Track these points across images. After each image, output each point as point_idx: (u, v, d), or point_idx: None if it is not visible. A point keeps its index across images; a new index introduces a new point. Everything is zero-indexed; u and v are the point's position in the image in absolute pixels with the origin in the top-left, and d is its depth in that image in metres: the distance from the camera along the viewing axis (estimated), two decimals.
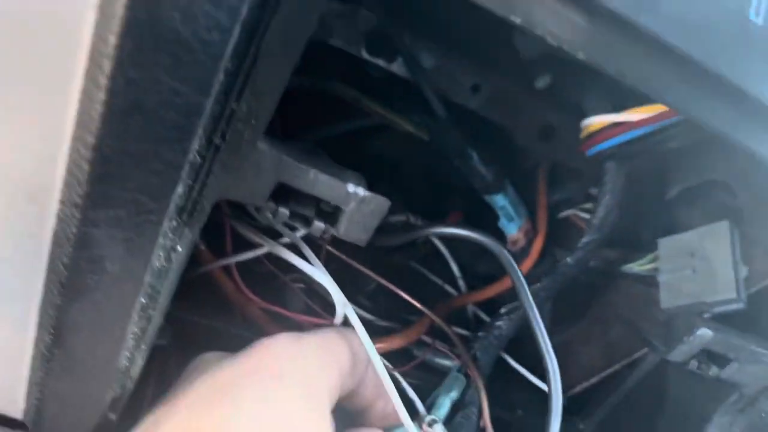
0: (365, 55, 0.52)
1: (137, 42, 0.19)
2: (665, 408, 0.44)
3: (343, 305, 0.33)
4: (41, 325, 0.24)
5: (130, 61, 0.19)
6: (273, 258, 0.44)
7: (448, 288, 0.59)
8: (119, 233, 0.23)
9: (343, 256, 0.48)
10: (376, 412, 0.37)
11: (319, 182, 0.28)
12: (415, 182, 0.64)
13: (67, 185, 0.21)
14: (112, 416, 0.31)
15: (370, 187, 0.51)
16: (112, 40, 0.18)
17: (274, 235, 0.43)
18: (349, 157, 0.59)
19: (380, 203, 0.29)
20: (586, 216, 0.58)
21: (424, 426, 0.38)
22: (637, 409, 0.46)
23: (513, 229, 0.54)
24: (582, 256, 0.47)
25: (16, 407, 0.26)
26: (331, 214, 0.31)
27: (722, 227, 0.49)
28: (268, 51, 0.24)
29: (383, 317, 0.50)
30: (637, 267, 0.55)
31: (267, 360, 0.30)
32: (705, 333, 0.37)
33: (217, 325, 0.40)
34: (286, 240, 0.41)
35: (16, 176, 0.21)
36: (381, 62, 0.52)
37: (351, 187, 0.29)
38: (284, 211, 0.29)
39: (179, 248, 0.28)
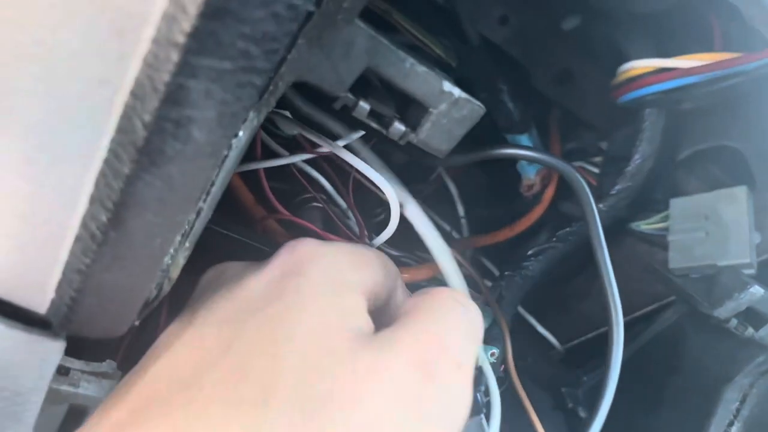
0: None
1: None
2: (680, 366, 0.43)
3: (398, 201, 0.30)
4: (97, 199, 0.19)
5: None
6: (287, 176, 0.40)
7: (452, 232, 0.56)
8: (218, 92, 0.18)
9: (363, 179, 0.44)
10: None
11: (414, 74, 0.25)
12: None
13: (168, 19, 0.17)
14: (137, 321, 0.26)
15: None
16: None
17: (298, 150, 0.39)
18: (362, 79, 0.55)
19: (474, 110, 0.26)
20: (594, 170, 0.57)
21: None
22: (648, 365, 0.46)
23: (531, 173, 0.52)
24: (614, 203, 0.45)
25: (41, 299, 0.22)
26: (410, 116, 0.27)
27: (740, 191, 0.48)
28: None
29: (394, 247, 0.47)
30: (644, 225, 0.54)
31: (291, 263, 0.27)
32: (756, 291, 0.37)
33: (235, 237, 0.35)
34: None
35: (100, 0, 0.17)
36: None
37: (447, 86, 0.25)
38: (365, 106, 0.25)
39: (241, 133, 0.24)
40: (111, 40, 0.17)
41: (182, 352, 0.24)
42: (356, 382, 0.23)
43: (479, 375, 0.34)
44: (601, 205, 0.46)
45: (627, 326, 0.52)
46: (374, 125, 0.27)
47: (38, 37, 0.17)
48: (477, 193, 0.57)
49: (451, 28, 0.49)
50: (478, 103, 0.26)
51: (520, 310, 0.51)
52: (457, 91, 0.25)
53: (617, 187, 0.45)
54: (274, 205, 0.34)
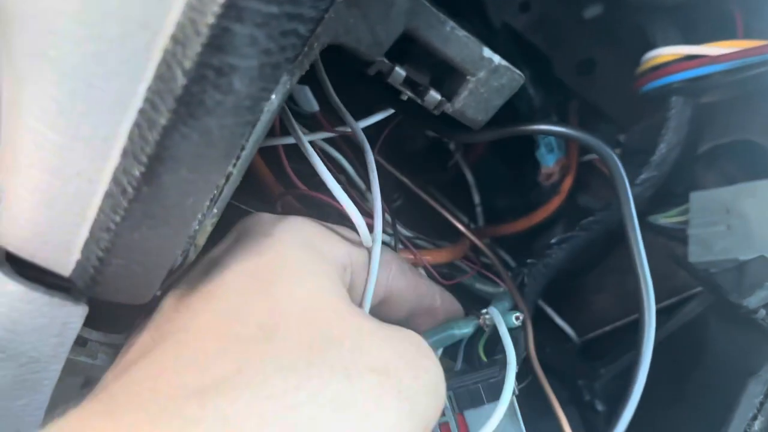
0: None
1: None
2: (703, 359, 0.42)
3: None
4: (130, 153, 0.18)
5: None
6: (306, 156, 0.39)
7: (462, 217, 0.55)
8: (262, 39, 0.17)
9: (383, 161, 0.44)
10: (426, 311, 0.34)
11: (454, 38, 0.24)
12: None
13: None
14: (158, 291, 0.26)
15: None
16: None
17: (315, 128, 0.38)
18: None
19: (513, 78, 0.25)
20: None
21: (481, 318, 0.35)
22: (670, 359, 0.45)
23: (551, 161, 0.51)
24: (639, 193, 0.44)
25: (65, 260, 0.21)
26: (446, 84, 0.26)
27: (764, 185, 0.47)
28: None
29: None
30: (663, 218, 0.54)
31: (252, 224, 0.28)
32: None
33: (253, 212, 0.35)
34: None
35: None
36: None
37: (487, 52, 0.24)
38: (400, 72, 0.25)
39: (273, 96, 0.23)
40: None
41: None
42: (362, 338, 0.23)
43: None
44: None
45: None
46: (409, 93, 0.26)
47: None
48: (494, 183, 0.56)
49: (473, 10, 0.48)
50: (518, 71, 0.25)
51: (539, 301, 0.50)
52: (497, 58, 0.24)
53: (642, 177, 0.45)
54: (293, 182, 0.34)
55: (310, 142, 0.36)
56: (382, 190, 0.45)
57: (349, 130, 0.32)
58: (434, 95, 0.25)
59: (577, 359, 0.49)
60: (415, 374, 0.23)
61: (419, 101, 0.26)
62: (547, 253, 0.43)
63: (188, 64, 0.17)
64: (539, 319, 0.49)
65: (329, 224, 0.30)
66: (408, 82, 0.25)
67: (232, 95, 0.18)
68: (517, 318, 0.35)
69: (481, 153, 0.55)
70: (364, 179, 0.40)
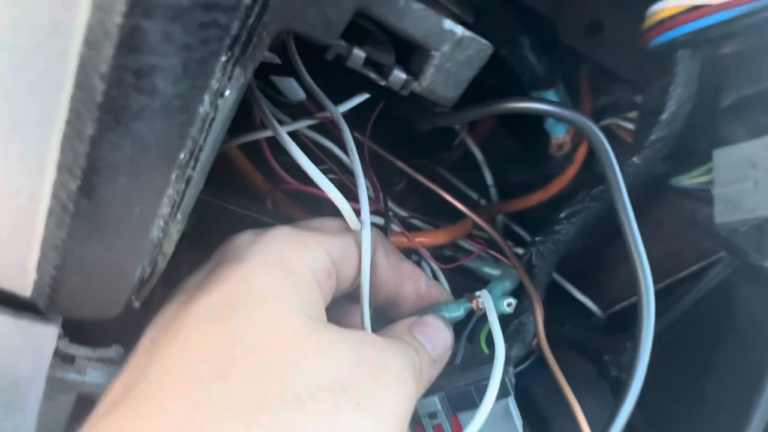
0: None
1: None
2: (733, 325, 0.40)
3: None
4: (64, 166, 0.18)
5: None
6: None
7: (480, 199, 0.54)
8: (178, 34, 0.16)
9: (376, 147, 0.42)
10: (409, 296, 0.33)
11: (410, 13, 0.22)
12: None
13: None
14: (137, 303, 0.25)
15: None
16: None
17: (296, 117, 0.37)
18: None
19: (481, 48, 0.24)
20: (629, 126, 0.54)
21: (474, 301, 0.34)
22: (698, 326, 0.43)
23: (560, 132, 0.49)
24: (651, 155, 0.42)
25: (23, 280, 0.20)
26: (411, 62, 0.25)
27: None
28: None
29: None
30: (687, 180, 0.51)
31: (229, 252, 0.28)
32: None
33: (246, 213, 0.34)
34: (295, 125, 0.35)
35: None
36: None
37: (448, 24, 0.23)
38: (359, 54, 0.23)
39: (227, 92, 0.22)
40: None
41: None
42: (318, 354, 0.23)
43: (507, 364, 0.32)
44: (635, 158, 0.43)
45: (673, 286, 0.49)
46: (372, 75, 0.24)
47: None
48: (505, 158, 0.54)
49: None
50: (485, 41, 0.24)
51: (557, 276, 0.48)
52: (459, 29, 0.23)
53: (651, 138, 0.42)
54: (281, 176, 0.33)
55: (298, 133, 0.36)
56: (382, 173, 0.44)
57: (329, 115, 0.31)
58: (399, 74, 0.24)
59: (603, 334, 0.47)
60: (373, 376, 0.23)
61: (383, 82, 0.24)
62: (556, 230, 0.41)
63: (104, 68, 0.16)
64: (558, 296, 0.47)
65: (310, 223, 0.29)
66: (370, 63, 0.24)
67: (158, 96, 0.17)
68: (509, 305, 0.33)
69: (488, 129, 0.53)
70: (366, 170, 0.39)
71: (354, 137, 0.39)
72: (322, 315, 0.25)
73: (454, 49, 0.23)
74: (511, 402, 0.31)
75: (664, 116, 0.43)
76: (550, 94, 0.48)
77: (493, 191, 0.53)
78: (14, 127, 0.17)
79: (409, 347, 0.28)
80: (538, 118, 0.51)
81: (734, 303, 0.40)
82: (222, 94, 0.22)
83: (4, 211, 0.19)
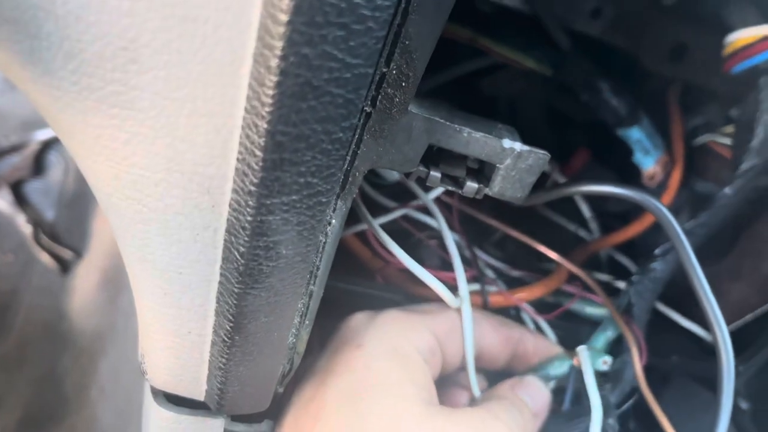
0: None
1: (309, 16, 0.17)
2: None
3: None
4: (220, 313, 0.24)
5: (302, 39, 0.18)
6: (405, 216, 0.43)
7: (581, 233, 0.56)
8: (293, 218, 0.22)
9: (467, 208, 0.46)
10: (520, 358, 0.37)
11: (473, 141, 0.27)
12: (534, 120, 0.61)
13: (240, 174, 0.21)
14: (280, 389, 0.31)
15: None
16: (283, 17, 0.17)
17: (404, 196, 0.42)
18: (464, 100, 0.57)
19: (539, 158, 0.27)
20: (726, 141, 0.54)
21: (575, 358, 0.37)
22: None
23: (650, 163, 0.51)
24: (743, 184, 0.43)
25: (198, 389, 0.27)
26: (479, 171, 0.29)
27: None
28: (419, 5, 0.22)
29: (514, 266, 0.48)
30: None
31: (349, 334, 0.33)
32: None
33: (358, 289, 0.39)
34: (416, 202, 0.40)
35: (190, 168, 0.21)
36: None
37: (507, 143, 0.27)
38: (435, 174, 0.28)
39: (334, 221, 0.27)
40: (203, 197, 0.21)
41: None
42: None
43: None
44: (727, 190, 0.44)
45: None
46: (449, 187, 0.29)
47: (153, 207, 0.22)
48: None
49: (540, 38, 0.49)
50: (542, 151, 0.27)
51: (661, 306, 0.49)
52: (518, 146, 0.27)
53: (743, 167, 0.43)
54: (386, 258, 0.38)
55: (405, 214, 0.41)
56: (478, 226, 0.49)
57: (421, 202, 0.36)
58: (471, 185, 0.28)
59: (712, 360, 0.48)
60: None
61: (460, 192, 0.29)
62: (652, 267, 0.43)
63: (242, 248, 0.22)
64: (663, 326, 0.48)
65: (415, 307, 0.34)
66: (446, 177, 0.29)
67: (282, 260, 0.23)
68: (605, 363, 0.36)
69: (581, 165, 0.55)
70: (456, 232, 0.44)
71: (445, 202, 0.44)
72: (433, 396, 0.30)
73: (516, 161, 0.27)
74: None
75: (754, 143, 0.44)
76: (635, 131, 0.49)
77: (592, 225, 0.55)
78: (182, 291, 0.24)
79: (513, 407, 0.32)
80: (630, 150, 0.52)
81: None
82: (330, 223, 0.27)
83: (182, 344, 0.25)
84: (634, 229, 0.52)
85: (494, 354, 0.36)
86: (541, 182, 0.56)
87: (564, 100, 0.59)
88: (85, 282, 0.80)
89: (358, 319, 0.34)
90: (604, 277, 0.50)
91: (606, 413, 0.35)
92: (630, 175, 0.55)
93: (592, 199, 0.57)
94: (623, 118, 0.49)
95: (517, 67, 0.49)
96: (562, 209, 0.58)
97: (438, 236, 0.43)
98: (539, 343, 0.38)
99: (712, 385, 0.48)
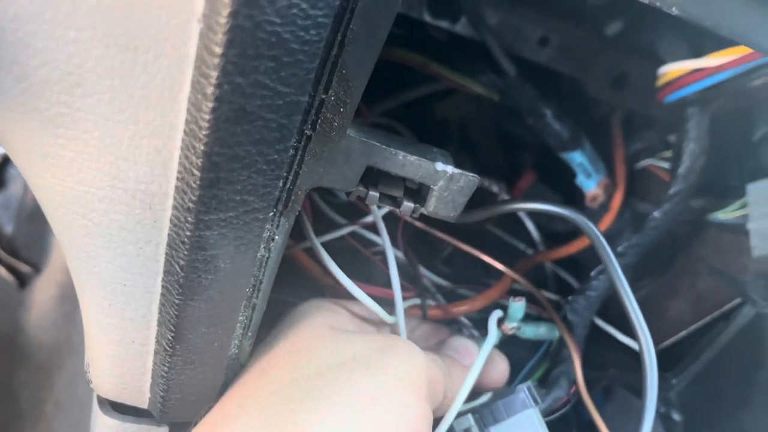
0: (428, 17, 0.51)
1: (241, 49, 0.19)
2: (764, 360, 0.43)
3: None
4: (162, 323, 0.25)
5: (235, 69, 0.19)
6: (354, 233, 0.44)
7: (528, 250, 0.58)
8: (230, 233, 0.23)
9: (417, 223, 0.48)
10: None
11: (408, 164, 0.28)
12: (485, 143, 0.64)
13: (179, 192, 0.22)
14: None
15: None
16: (218, 49, 0.19)
17: (353, 213, 0.44)
18: (416, 122, 0.59)
19: (469, 180, 0.29)
20: (665, 165, 0.56)
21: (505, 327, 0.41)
22: (734, 362, 0.45)
23: (591, 186, 0.53)
24: (671, 208, 0.46)
25: (142, 398, 0.28)
26: (417, 191, 0.31)
27: None
28: (354, 38, 0.24)
29: (462, 281, 0.50)
30: (723, 215, 0.53)
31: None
32: None
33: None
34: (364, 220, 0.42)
35: (133, 186, 0.22)
36: (444, 24, 0.51)
37: (440, 166, 0.29)
38: (374, 194, 0.30)
39: (277, 237, 0.29)
40: (145, 213, 0.23)
41: None
42: (336, 343, 0.32)
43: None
44: (656, 213, 0.46)
45: (712, 324, 0.51)
46: (388, 206, 0.31)
47: (98, 221, 0.23)
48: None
49: (489, 64, 0.52)
50: (472, 174, 0.29)
51: (600, 321, 0.52)
52: (450, 169, 0.29)
53: (671, 192, 0.46)
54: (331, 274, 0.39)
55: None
56: (428, 242, 0.50)
57: (371, 219, 0.38)
58: (408, 204, 0.30)
59: None
60: (384, 351, 0.31)
61: (397, 211, 0.31)
62: (588, 286, 0.45)
63: (182, 261, 0.23)
64: (601, 341, 0.51)
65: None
66: (384, 197, 0.30)
67: (221, 272, 0.24)
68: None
69: (527, 186, 0.58)
70: (404, 251, 0.46)
71: (396, 218, 0.46)
72: (344, 326, 0.34)
73: (448, 182, 0.29)
74: (535, 413, 0.36)
75: (680, 170, 0.47)
76: (577, 154, 0.52)
77: (539, 241, 0.57)
78: (126, 302, 0.25)
79: (435, 355, 0.34)
80: (571, 171, 0.55)
81: (763, 341, 0.43)
82: (273, 239, 0.29)
83: (125, 354, 0.27)
84: (576, 245, 0.54)
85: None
86: (489, 202, 0.58)
87: (514, 124, 0.61)
88: (42, 296, 0.79)
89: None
90: (549, 294, 0.52)
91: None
92: (575, 197, 0.58)
93: (540, 220, 0.59)
94: (566, 142, 0.51)
95: (468, 92, 0.51)
96: (511, 229, 0.60)
97: (382, 252, 0.45)
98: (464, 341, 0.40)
99: None
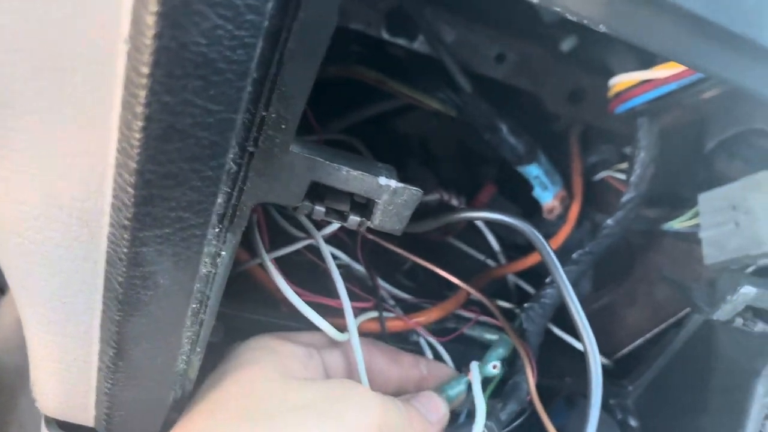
0: (386, 35, 0.52)
1: (168, 69, 0.19)
2: (714, 365, 0.44)
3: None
4: (103, 340, 0.25)
5: (163, 88, 0.20)
6: (310, 247, 0.45)
7: (489, 261, 0.59)
8: (167, 249, 0.24)
9: (377, 239, 0.49)
10: (415, 383, 0.39)
11: (352, 178, 0.29)
12: (447, 157, 0.65)
13: (115, 209, 0.22)
14: (175, 415, 0.32)
15: (402, 166, 0.52)
16: (145, 69, 0.19)
17: (318, 225, 0.45)
18: (378, 138, 0.60)
19: (412, 194, 0.30)
20: (622, 176, 0.58)
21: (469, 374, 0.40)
22: (686, 367, 0.46)
23: (548, 198, 0.54)
24: (623, 216, 0.47)
25: (87, 415, 0.28)
26: (365, 206, 0.31)
27: (765, 177, 0.48)
28: (292, 56, 0.24)
29: (423, 294, 0.50)
30: (677, 224, 0.55)
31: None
32: (748, 291, 0.37)
33: (263, 318, 0.41)
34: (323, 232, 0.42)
35: (68, 203, 0.22)
36: (402, 41, 0.52)
37: (383, 180, 0.29)
38: (320, 209, 0.30)
39: (224, 253, 0.29)
40: (82, 230, 0.23)
41: None
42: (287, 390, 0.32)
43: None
44: (609, 221, 0.48)
45: (667, 331, 0.53)
46: (334, 221, 0.31)
47: (33, 239, 0.23)
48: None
49: (446, 81, 0.53)
50: (415, 188, 0.30)
51: (558, 331, 0.53)
52: (393, 183, 0.29)
53: (623, 200, 0.47)
54: (293, 290, 0.40)
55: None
56: (389, 257, 0.51)
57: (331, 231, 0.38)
58: (354, 218, 0.31)
59: (607, 380, 0.51)
60: (338, 399, 0.31)
61: (344, 224, 0.31)
62: (542, 294, 0.46)
63: (120, 278, 0.24)
64: (562, 348, 0.51)
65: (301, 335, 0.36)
66: (330, 211, 0.31)
67: (160, 288, 0.24)
68: (494, 367, 0.39)
69: (488, 199, 0.59)
70: (365, 265, 0.46)
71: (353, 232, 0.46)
72: (297, 374, 0.33)
73: (392, 196, 0.29)
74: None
75: (632, 179, 0.48)
76: (533, 168, 0.53)
77: (500, 255, 0.58)
78: (67, 319, 0.25)
79: (397, 401, 0.34)
80: (530, 184, 0.56)
81: (713, 346, 0.44)
82: (219, 255, 0.29)
83: (68, 371, 0.27)
84: (533, 258, 0.55)
85: (386, 378, 0.38)
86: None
87: (474, 138, 0.62)
88: (6, 319, 0.78)
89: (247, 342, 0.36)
90: (507, 304, 0.52)
91: (489, 417, 0.38)
92: (536, 209, 0.59)
93: (501, 232, 0.60)
94: (522, 156, 0.52)
95: (427, 108, 0.52)
96: (473, 242, 0.61)
97: (344, 266, 0.45)
98: (433, 366, 0.40)
99: (606, 404, 0.51)
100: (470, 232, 0.60)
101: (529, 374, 0.42)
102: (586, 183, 0.59)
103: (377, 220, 0.31)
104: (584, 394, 0.51)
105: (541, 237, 0.36)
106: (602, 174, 0.60)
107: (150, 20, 0.18)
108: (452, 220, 0.38)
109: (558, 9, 0.26)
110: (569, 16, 0.26)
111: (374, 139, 0.58)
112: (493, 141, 0.53)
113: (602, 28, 0.27)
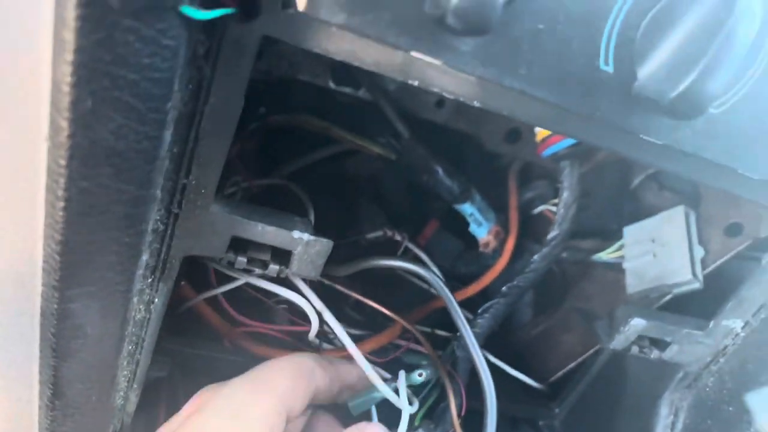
0: (332, 85, 0.56)
1: (82, 161, 0.23)
2: (625, 389, 0.48)
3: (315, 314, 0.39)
4: (42, 382, 0.29)
5: (79, 176, 0.24)
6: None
7: (433, 291, 0.63)
8: (94, 304, 0.27)
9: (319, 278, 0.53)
10: (347, 389, 0.43)
11: (267, 233, 0.33)
12: (395, 194, 0.69)
13: (45, 272, 0.26)
14: None
15: (353, 205, 0.57)
16: (62, 162, 0.23)
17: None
18: (330, 178, 0.64)
19: (324, 245, 0.34)
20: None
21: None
22: (603, 391, 0.50)
23: (483, 233, 0.58)
24: (548, 252, 0.50)
25: None
26: (285, 253, 0.35)
27: (677, 212, 0.51)
28: (205, 134, 0.29)
29: (368, 326, 0.54)
30: (605, 255, 0.59)
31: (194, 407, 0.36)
32: (638, 322, 0.41)
33: (208, 354, 0.45)
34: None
35: (4, 267, 0.26)
36: (348, 90, 0.56)
37: (296, 234, 0.33)
38: (242, 259, 0.34)
39: (157, 300, 0.33)
40: (17, 290, 0.27)
41: None
42: None
43: None
44: (536, 257, 0.51)
45: (594, 357, 0.56)
46: (256, 270, 0.35)
47: None
48: (451, 255, 0.64)
49: (388, 125, 0.57)
50: (326, 240, 0.34)
51: (492, 358, 0.56)
52: (306, 236, 0.33)
53: (548, 237, 0.51)
54: (238, 320, 0.44)
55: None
56: (338, 293, 0.55)
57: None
58: (274, 267, 0.35)
59: (534, 403, 0.55)
60: None
61: (265, 272, 0.35)
62: (474, 323, 0.50)
63: (52, 329, 0.27)
64: (497, 375, 0.55)
65: (262, 373, 0.39)
66: (252, 261, 0.35)
67: (90, 338, 0.28)
68: (420, 375, 0.42)
69: (431, 234, 0.63)
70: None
71: None
72: None
73: (306, 247, 0.34)
74: None
75: (556, 218, 0.52)
76: (467, 206, 0.57)
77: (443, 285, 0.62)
78: (10, 365, 0.29)
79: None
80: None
81: (625, 370, 0.48)
82: (153, 302, 0.33)
83: (12, 410, 0.30)
84: (473, 288, 0.59)
85: (326, 394, 0.41)
86: (394, 250, 0.63)
87: (418, 178, 0.67)
88: None
89: (205, 392, 0.37)
90: (445, 333, 0.56)
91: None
92: (474, 244, 0.63)
93: (444, 263, 0.64)
94: (456, 196, 0.56)
95: (369, 152, 0.57)
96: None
97: (286, 302, 0.49)
98: (361, 372, 0.44)
99: (536, 426, 0.55)
100: (415, 263, 0.64)
101: (451, 400, 0.45)
102: (526, 217, 0.63)
103: (295, 268, 0.35)
104: (509, 414, 0.55)
105: (445, 287, 0.40)
106: (540, 208, 0.64)
107: (64, 124, 0.22)
108: (368, 266, 0.42)
109: (436, 90, 0.30)
110: (447, 95, 0.30)
111: (327, 179, 0.62)
112: (429, 182, 0.57)
113: (476, 104, 0.31)
